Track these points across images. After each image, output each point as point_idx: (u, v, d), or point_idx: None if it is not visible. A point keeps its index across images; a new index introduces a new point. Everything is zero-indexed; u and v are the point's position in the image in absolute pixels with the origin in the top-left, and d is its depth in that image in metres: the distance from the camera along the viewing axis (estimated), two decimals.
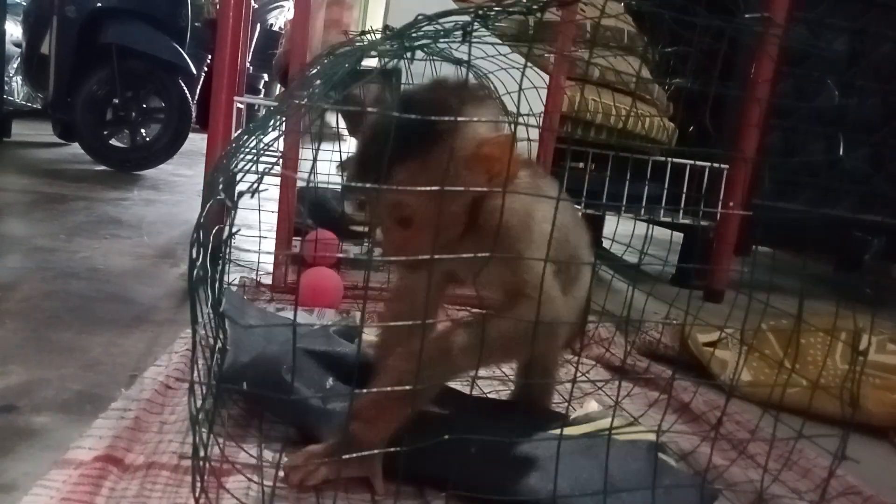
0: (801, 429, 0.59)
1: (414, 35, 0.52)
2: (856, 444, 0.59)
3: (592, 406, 0.82)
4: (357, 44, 0.84)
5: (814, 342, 1.01)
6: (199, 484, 0.48)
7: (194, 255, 0.46)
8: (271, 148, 0.56)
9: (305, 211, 1.69)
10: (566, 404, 0.78)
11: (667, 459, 0.67)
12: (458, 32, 0.50)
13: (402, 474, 0.57)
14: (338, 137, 1.59)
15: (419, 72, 1.09)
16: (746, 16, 0.54)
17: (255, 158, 0.52)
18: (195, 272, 0.45)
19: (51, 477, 0.53)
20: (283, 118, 0.61)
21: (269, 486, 0.56)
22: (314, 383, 0.70)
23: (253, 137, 0.57)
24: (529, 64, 0.51)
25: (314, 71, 0.74)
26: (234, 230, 0.48)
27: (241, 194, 0.47)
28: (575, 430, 0.70)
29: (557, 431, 0.68)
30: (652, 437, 0.70)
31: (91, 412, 0.70)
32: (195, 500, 0.50)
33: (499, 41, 0.85)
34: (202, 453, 0.48)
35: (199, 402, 0.46)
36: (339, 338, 0.80)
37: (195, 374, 0.47)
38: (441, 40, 0.51)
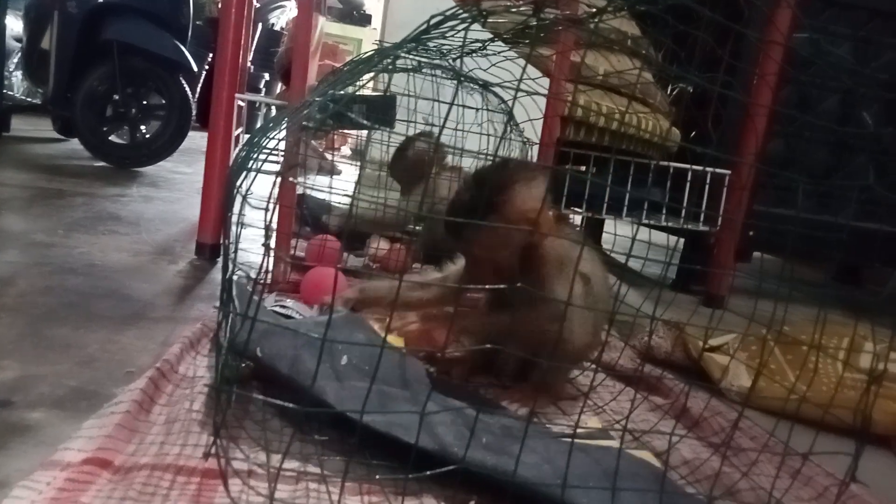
0: (812, 445, 0.58)
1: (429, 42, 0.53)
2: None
3: (592, 423, 0.82)
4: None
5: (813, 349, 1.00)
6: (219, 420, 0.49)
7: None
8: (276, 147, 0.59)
9: (307, 217, 1.68)
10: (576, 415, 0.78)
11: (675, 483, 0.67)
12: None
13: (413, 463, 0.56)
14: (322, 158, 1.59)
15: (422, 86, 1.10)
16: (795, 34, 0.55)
17: (263, 157, 0.56)
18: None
19: (35, 478, 0.52)
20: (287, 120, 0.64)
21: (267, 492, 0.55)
22: (328, 358, 0.71)
23: (264, 138, 0.60)
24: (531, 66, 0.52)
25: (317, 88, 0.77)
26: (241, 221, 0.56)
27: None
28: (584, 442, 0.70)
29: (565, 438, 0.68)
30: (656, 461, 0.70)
31: (86, 409, 0.69)
32: (214, 429, 0.53)
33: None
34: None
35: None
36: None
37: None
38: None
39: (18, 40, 3.15)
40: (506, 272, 0.83)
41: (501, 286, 0.82)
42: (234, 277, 0.61)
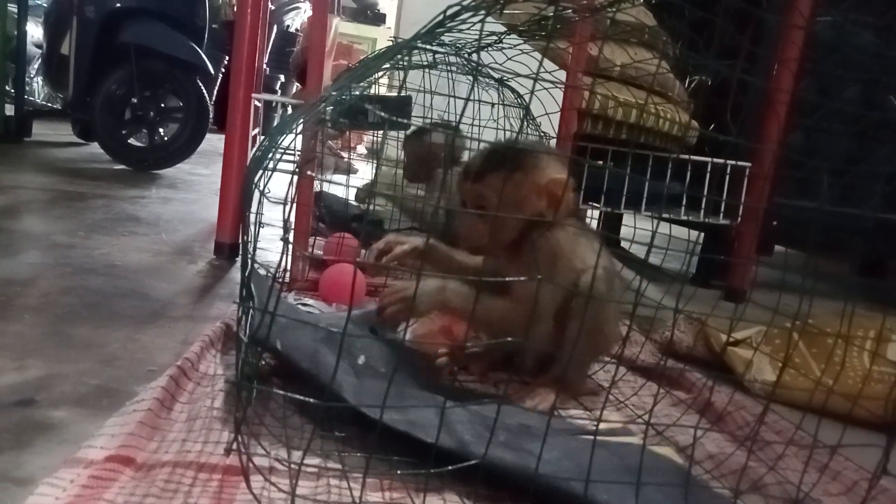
0: (841, 438, 0.57)
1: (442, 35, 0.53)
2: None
3: (614, 418, 0.81)
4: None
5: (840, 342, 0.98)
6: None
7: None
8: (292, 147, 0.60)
9: (324, 214, 1.69)
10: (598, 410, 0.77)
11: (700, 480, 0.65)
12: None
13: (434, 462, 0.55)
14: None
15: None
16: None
17: (280, 156, 0.57)
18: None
19: (59, 475, 0.52)
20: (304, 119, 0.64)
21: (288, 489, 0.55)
22: (346, 356, 0.73)
23: (282, 136, 0.61)
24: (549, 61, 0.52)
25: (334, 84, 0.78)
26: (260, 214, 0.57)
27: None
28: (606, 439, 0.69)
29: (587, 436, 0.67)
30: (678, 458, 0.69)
31: (108, 407, 0.69)
32: (235, 425, 0.54)
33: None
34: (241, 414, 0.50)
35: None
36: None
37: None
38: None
39: (39, 46, 3.20)
40: (504, 238, 0.82)
41: (501, 279, 0.81)
42: (255, 269, 0.62)
